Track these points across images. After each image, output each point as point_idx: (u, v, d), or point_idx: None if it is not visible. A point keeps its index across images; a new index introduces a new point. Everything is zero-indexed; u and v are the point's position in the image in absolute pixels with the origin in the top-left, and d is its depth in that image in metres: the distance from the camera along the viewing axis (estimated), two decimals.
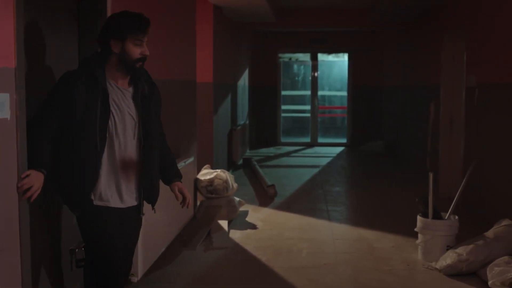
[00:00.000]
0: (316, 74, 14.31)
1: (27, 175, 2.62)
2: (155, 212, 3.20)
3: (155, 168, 3.07)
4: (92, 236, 2.89)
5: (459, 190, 5.17)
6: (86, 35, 3.54)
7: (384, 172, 9.96)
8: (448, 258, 4.55)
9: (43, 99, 2.83)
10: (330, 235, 5.75)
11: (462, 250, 4.53)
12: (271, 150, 12.98)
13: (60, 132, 2.79)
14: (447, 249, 4.74)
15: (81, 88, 2.75)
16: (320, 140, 14.27)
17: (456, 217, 4.97)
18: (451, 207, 5.01)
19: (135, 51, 2.84)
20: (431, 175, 5.00)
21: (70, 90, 2.74)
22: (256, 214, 6.59)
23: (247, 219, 6.34)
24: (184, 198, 3.20)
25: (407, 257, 5.01)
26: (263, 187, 7.88)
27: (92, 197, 2.82)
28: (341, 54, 15.09)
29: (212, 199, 6.07)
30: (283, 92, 14.57)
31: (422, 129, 8.73)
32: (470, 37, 6.59)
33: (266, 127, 13.99)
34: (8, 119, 2.52)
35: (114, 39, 2.80)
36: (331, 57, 15.54)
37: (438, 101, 7.75)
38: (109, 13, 3.61)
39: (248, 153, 12.13)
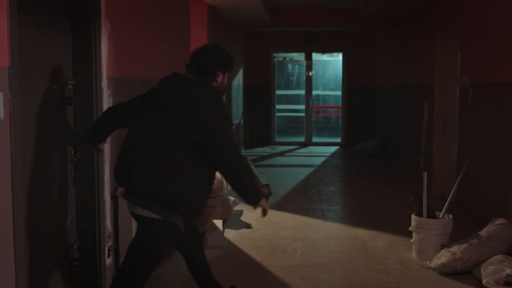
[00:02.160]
0: (310, 73, 14.32)
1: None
2: None
3: None
4: (161, 248, 3.02)
5: (453, 189, 5.18)
6: (79, 35, 3.52)
7: (378, 172, 9.98)
8: (443, 257, 4.57)
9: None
10: (324, 234, 5.76)
11: (456, 249, 4.54)
12: (266, 150, 12.99)
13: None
14: (441, 248, 4.75)
15: None
16: (315, 139, 14.29)
17: (450, 216, 4.99)
18: (445, 206, 5.02)
19: (226, 82, 3.21)
20: (425, 174, 5.02)
21: None
22: (250, 213, 6.58)
23: (241, 218, 6.33)
24: None
25: (401, 256, 5.02)
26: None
27: None
28: (335, 54, 15.10)
29: None
30: (278, 92, 14.58)
31: (416, 129, 8.76)
32: (463, 37, 6.60)
33: (260, 127, 13.99)
34: (2, 118, 2.52)
35: (221, 71, 3.11)
36: (325, 57, 15.55)
37: (431, 100, 7.77)
38: (102, 13, 3.60)
39: (243, 152, 12.13)
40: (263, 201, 3.07)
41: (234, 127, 10.41)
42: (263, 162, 10.98)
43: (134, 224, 3.89)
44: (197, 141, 2.89)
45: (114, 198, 3.86)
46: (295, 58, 15.41)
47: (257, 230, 5.89)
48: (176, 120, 2.90)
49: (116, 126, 3.39)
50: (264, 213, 3.23)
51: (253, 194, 3.04)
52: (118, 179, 3.07)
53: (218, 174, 6.16)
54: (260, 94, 13.96)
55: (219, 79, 3.12)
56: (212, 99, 2.96)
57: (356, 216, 6.59)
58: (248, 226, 6.04)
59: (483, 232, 4.72)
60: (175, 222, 2.98)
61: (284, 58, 15.23)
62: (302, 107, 14.58)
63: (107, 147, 3.73)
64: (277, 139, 14.26)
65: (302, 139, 14.27)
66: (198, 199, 3.02)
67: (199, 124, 2.88)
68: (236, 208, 6.55)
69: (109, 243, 3.80)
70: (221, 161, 2.94)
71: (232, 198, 6.32)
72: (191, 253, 3.51)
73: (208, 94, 2.97)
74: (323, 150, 12.98)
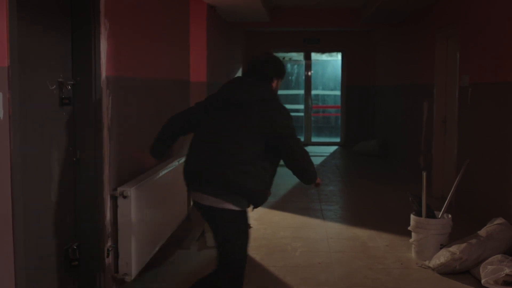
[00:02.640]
0: (309, 73, 14.32)
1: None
2: None
3: None
4: (245, 232, 3.32)
5: (452, 189, 5.19)
6: (79, 34, 3.52)
7: (378, 172, 9.99)
8: (442, 257, 4.57)
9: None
10: (324, 234, 5.76)
11: (456, 248, 4.55)
12: None
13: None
14: (441, 248, 4.76)
15: None
16: (314, 139, 14.29)
17: (450, 215, 4.99)
18: (445, 205, 5.02)
19: (278, 88, 3.56)
20: (424, 174, 5.02)
21: None
22: (250, 213, 6.57)
23: None
24: None
25: (401, 256, 5.02)
26: None
27: None
28: (334, 54, 15.11)
29: None
30: None
31: (416, 129, 8.76)
32: (463, 37, 6.61)
33: None
34: (1, 118, 2.52)
35: (276, 77, 3.45)
36: (324, 57, 15.56)
37: (431, 100, 7.77)
38: (102, 13, 3.60)
39: None
40: (318, 179, 3.51)
41: None
42: None
43: (134, 223, 3.89)
44: (266, 137, 3.19)
45: (113, 198, 3.86)
46: (294, 58, 15.40)
47: (256, 229, 5.89)
48: (248, 118, 3.20)
49: (180, 134, 3.71)
50: (318, 185, 3.61)
51: (313, 178, 3.44)
52: (190, 177, 3.36)
53: None
54: None
55: (274, 84, 3.47)
56: (277, 100, 3.35)
57: (355, 216, 6.60)
58: None
59: (483, 232, 4.72)
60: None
61: (284, 58, 15.23)
62: (301, 106, 14.57)
63: (106, 147, 3.73)
64: None
65: (301, 139, 14.22)
66: (266, 190, 3.35)
67: (270, 121, 3.20)
68: None
69: (109, 243, 3.80)
70: (288, 152, 3.28)
71: None
72: None
73: (273, 95, 3.36)
74: (323, 150, 12.98)
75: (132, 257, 3.92)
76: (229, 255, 3.26)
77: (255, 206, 3.39)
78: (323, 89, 16.47)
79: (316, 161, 11.22)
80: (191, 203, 6.14)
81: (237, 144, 3.18)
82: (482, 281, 4.20)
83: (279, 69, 3.48)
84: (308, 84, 14.32)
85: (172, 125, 3.68)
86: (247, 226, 3.35)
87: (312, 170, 3.42)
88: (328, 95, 16.53)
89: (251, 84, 3.34)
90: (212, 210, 3.21)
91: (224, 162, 3.16)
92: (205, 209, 3.26)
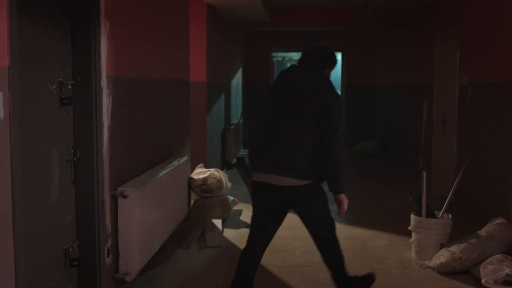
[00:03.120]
0: None
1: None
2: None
3: None
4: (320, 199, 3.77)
5: (452, 189, 5.19)
6: (79, 34, 3.52)
7: (378, 171, 9.99)
8: (442, 257, 4.57)
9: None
10: None
11: (456, 248, 4.55)
12: None
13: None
14: (441, 248, 4.76)
15: None
16: None
17: (450, 215, 5.00)
18: (444, 205, 5.03)
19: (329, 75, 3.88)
20: (424, 174, 5.02)
21: None
22: (250, 213, 6.58)
23: (241, 218, 6.34)
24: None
25: (401, 255, 5.02)
26: None
27: None
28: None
29: (206, 198, 6.07)
30: None
31: (416, 128, 8.76)
32: (462, 36, 6.61)
33: None
34: (1, 118, 2.52)
35: (328, 68, 3.80)
36: None
37: (431, 100, 7.77)
38: (102, 13, 3.60)
39: (242, 152, 12.12)
40: (344, 198, 3.77)
41: (233, 127, 10.42)
42: None
43: (134, 223, 3.89)
44: (316, 114, 3.48)
45: (113, 198, 3.86)
46: (295, 58, 15.40)
47: None
48: (302, 99, 3.53)
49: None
50: (341, 204, 3.83)
51: (339, 172, 3.61)
52: (257, 161, 3.66)
53: (217, 174, 6.18)
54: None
55: (326, 72, 3.80)
56: (330, 84, 3.66)
57: (355, 215, 6.60)
58: (247, 225, 6.02)
59: (482, 232, 4.72)
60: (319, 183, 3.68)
61: (284, 58, 15.23)
62: None
63: (106, 147, 3.73)
64: None
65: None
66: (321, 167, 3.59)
67: (320, 101, 3.49)
68: (236, 207, 6.55)
69: (109, 242, 3.80)
70: (329, 131, 3.49)
71: (231, 198, 6.33)
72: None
73: (327, 80, 3.70)
74: None
75: (132, 256, 3.93)
76: (316, 221, 3.87)
77: (322, 181, 3.68)
78: None
79: None
80: (191, 203, 6.14)
81: (295, 123, 3.50)
82: (482, 281, 4.20)
83: (331, 58, 3.81)
84: None
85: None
86: (320, 195, 3.73)
87: (339, 161, 3.56)
88: None
89: (306, 70, 3.68)
90: (281, 188, 3.57)
91: (286, 143, 3.50)
92: (272, 188, 3.59)
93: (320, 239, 3.95)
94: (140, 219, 4.05)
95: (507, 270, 4.07)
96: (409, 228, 4.98)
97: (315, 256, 5.02)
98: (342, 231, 5.91)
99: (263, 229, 3.97)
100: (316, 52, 3.81)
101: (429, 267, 4.67)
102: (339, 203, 3.72)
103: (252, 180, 3.71)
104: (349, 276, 3.96)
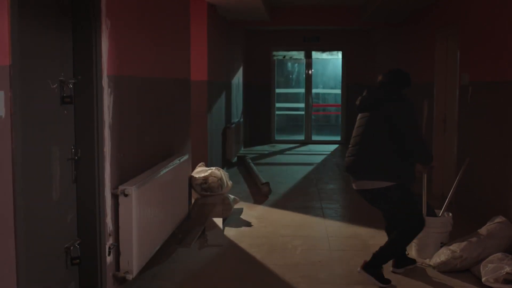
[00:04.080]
0: (310, 72, 14.33)
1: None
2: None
3: None
4: (411, 199, 4.41)
5: (452, 188, 5.19)
6: (80, 33, 3.53)
7: None
8: (442, 255, 4.58)
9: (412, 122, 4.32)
10: (324, 232, 5.77)
11: (456, 247, 4.55)
12: (266, 148, 13.00)
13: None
14: (441, 246, 4.77)
15: None
16: (314, 138, 14.30)
17: (450, 214, 5.00)
18: (445, 204, 5.03)
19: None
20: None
21: None
22: (250, 211, 6.60)
23: (241, 216, 6.35)
24: None
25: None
26: (258, 184, 7.89)
27: None
28: (335, 52, 15.10)
29: (206, 197, 6.07)
30: (277, 90, 14.58)
31: None
32: (462, 36, 6.61)
33: (260, 125, 14.00)
34: (3, 117, 2.52)
35: (404, 88, 4.46)
36: (325, 55, 15.55)
37: (431, 99, 7.77)
38: (103, 12, 3.61)
39: (243, 151, 12.14)
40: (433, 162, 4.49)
41: (234, 125, 10.43)
42: (263, 161, 10.99)
43: (135, 222, 3.90)
44: (399, 129, 4.23)
45: (114, 197, 3.87)
46: (295, 57, 15.40)
47: (257, 228, 5.90)
48: (388, 116, 4.26)
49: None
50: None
51: (429, 159, 4.41)
52: (352, 168, 4.40)
53: (217, 173, 6.19)
54: (260, 93, 13.97)
55: (402, 92, 4.46)
56: (408, 101, 4.35)
57: (356, 214, 6.61)
58: (248, 224, 6.05)
59: (483, 230, 4.73)
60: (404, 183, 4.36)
61: (284, 57, 15.23)
62: (302, 105, 14.58)
63: (107, 146, 3.74)
64: (277, 138, 14.27)
65: (301, 138, 14.28)
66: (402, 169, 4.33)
67: (403, 115, 4.25)
68: (236, 206, 6.56)
69: (110, 241, 3.81)
70: (410, 140, 4.24)
71: (232, 197, 6.33)
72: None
73: (406, 98, 4.38)
74: (323, 148, 12.99)
75: (133, 255, 3.93)
76: (407, 217, 4.38)
77: (404, 182, 4.33)
78: (324, 87, 16.48)
79: (317, 159, 11.23)
80: (192, 201, 6.15)
81: (381, 138, 4.28)
82: (483, 279, 4.20)
83: (407, 81, 4.49)
84: (308, 82, 14.33)
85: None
86: (403, 192, 4.33)
87: (427, 155, 4.37)
88: (328, 94, 16.54)
89: (388, 91, 4.41)
90: (369, 191, 4.32)
91: (370, 152, 4.30)
92: (366, 192, 4.36)
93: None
94: (141, 218, 4.05)
95: (507, 269, 4.07)
96: None
97: (316, 254, 5.05)
98: (343, 229, 5.93)
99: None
100: (396, 75, 4.48)
101: (430, 265, 4.67)
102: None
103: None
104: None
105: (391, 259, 4.51)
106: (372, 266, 4.33)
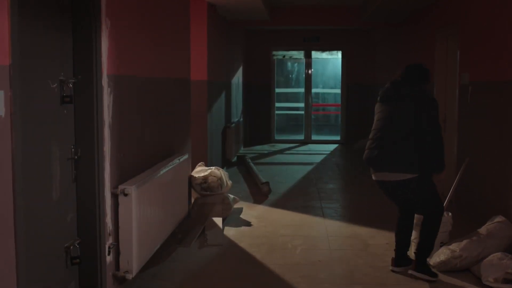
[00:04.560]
0: (309, 71, 14.33)
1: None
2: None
3: None
4: (432, 189, 4.46)
5: (452, 187, 5.20)
6: (80, 33, 3.53)
7: None
8: (442, 255, 4.58)
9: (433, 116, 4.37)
10: (324, 232, 5.77)
11: (456, 246, 4.56)
12: (265, 148, 13.00)
13: None
14: (441, 246, 4.77)
15: None
16: (314, 137, 14.30)
17: (450, 213, 5.00)
18: (445, 204, 5.03)
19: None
20: None
21: None
22: (250, 211, 6.61)
23: (241, 216, 6.35)
24: None
25: None
26: (257, 184, 7.89)
27: None
28: (334, 52, 15.11)
29: (206, 197, 6.08)
30: (277, 90, 14.59)
31: None
32: (462, 36, 6.61)
33: (260, 125, 14.01)
34: (2, 116, 2.52)
35: (425, 83, 4.53)
36: (324, 55, 15.56)
37: None
38: (103, 11, 3.61)
39: (242, 150, 12.14)
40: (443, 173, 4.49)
41: (233, 125, 10.43)
42: (263, 160, 10.99)
43: (135, 221, 3.90)
44: (421, 124, 4.29)
45: (114, 196, 3.87)
46: (295, 56, 15.41)
47: (257, 228, 5.90)
48: (410, 109, 4.32)
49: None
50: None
51: (442, 166, 4.43)
52: (374, 160, 4.44)
53: (217, 172, 6.19)
54: (260, 92, 13.97)
55: (424, 86, 4.52)
56: (432, 98, 4.47)
57: (356, 213, 6.61)
58: (248, 224, 6.06)
59: (483, 230, 4.73)
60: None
61: (284, 56, 15.23)
62: (302, 105, 14.58)
63: (107, 146, 3.74)
64: (277, 137, 14.28)
65: (301, 137, 14.29)
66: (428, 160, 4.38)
67: (426, 110, 4.31)
68: (236, 206, 6.56)
69: (110, 241, 3.81)
70: (432, 133, 4.31)
71: (232, 196, 6.34)
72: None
73: (427, 93, 4.49)
74: (323, 148, 13.00)
75: (133, 254, 3.93)
76: (427, 205, 4.46)
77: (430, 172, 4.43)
78: (323, 87, 16.48)
79: (317, 159, 11.24)
80: (192, 201, 6.14)
81: (405, 131, 4.31)
82: (482, 278, 4.21)
83: (427, 76, 4.56)
84: (308, 82, 14.33)
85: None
86: (425, 183, 4.39)
87: (442, 153, 4.38)
88: (328, 93, 16.54)
89: (411, 84, 4.44)
90: (391, 182, 4.39)
91: (393, 145, 4.34)
92: (390, 184, 4.41)
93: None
94: (141, 217, 4.06)
95: (507, 268, 4.07)
96: None
97: (316, 254, 5.05)
98: (343, 229, 5.93)
99: None
100: (417, 70, 4.54)
101: (430, 265, 4.67)
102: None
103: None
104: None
105: (432, 250, 4.54)
106: (420, 264, 4.44)
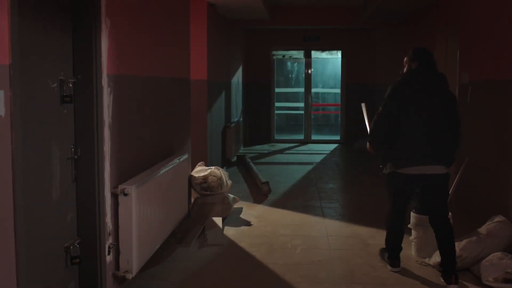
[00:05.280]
0: (309, 71, 14.33)
1: None
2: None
3: None
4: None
5: (452, 187, 5.20)
6: (80, 32, 3.53)
7: (377, 169, 9.98)
8: None
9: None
10: (324, 231, 5.77)
11: (456, 246, 4.55)
12: (265, 147, 13.00)
13: None
14: None
15: None
16: (314, 137, 14.30)
17: (450, 213, 5.00)
18: None
19: None
20: None
21: None
22: (250, 211, 6.60)
23: (241, 216, 6.35)
24: None
25: (401, 253, 5.01)
26: (257, 184, 7.89)
27: None
28: (334, 52, 15.11)
29: (206, 196, 6.08)
30: (277, 90, 14.59)
31: None
32: (462, 36, 6.61)
33: (260, 125, 14.01)
34: (2, 116, 2.52)
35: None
36: (324, 55, 15.56)
37: None
38: (103, 11, 3.61)
39: (242, 150, 12.14)
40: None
41: (233, 125, 10.43)
42: (263, 160, 10.99)
43: (135, 221, 3.90)
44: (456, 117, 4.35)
45: (114, 196, 3.87)
46: (295, 56, 15.41)
47: (256, 227, 5.90)
48: (443, 101, 4.34)
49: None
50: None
51: (454, 159, 4.46)
52: (416, 155, 4.32)
53: (217, 172, 6.19)
54: (260, 92, 13.97)
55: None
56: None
57: (355, 213, 6.61)
58: (247, 223, 6.06)
59: (482, 230, 4.73)
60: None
61: (284, 56, 15.24)
62: (301, 104, 14.59)
63: (106, 145, 3.74)
64: (276, 137, 14.28)
65: (301, 137, 14.29)
66: None
67: (454, 101, 4.42)
68: (236, 205, 6.56)
69: (110, 240, 3.81)
70: (460, 125, 4.37)
71: (231, 196, 6.34)
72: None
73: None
74: (323, 148, 13.00)
75: (133, 254, 3.93)
76: (442, 203, 4.46)
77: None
78: (323, 87, 16.48)
79: (316, 159, 11.24)
80: (192, 201, 6.14)
81: (443, 123, 4.30)
82: (482, 278, 4.21)
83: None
84: (308, 82, 14.33)
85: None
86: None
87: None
88: (328, 93, 16.55)
89: (441, 77, 4.52)
90: (433, 176, 4.34)
91: (440, 139, 4.29)
92: (426, 177, 4.34)
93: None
94: (140, 217, 4.06)
95: (507, 268, 4.07)
96: (409, 225, 4.98)
97: (315, 254, 5.05)
98: (343, 229, 5.93)
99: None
100: (430, 54, 4.66)
101: (429, 264, 4.68)
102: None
103: None
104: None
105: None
106: (456, 270, 4.31)
